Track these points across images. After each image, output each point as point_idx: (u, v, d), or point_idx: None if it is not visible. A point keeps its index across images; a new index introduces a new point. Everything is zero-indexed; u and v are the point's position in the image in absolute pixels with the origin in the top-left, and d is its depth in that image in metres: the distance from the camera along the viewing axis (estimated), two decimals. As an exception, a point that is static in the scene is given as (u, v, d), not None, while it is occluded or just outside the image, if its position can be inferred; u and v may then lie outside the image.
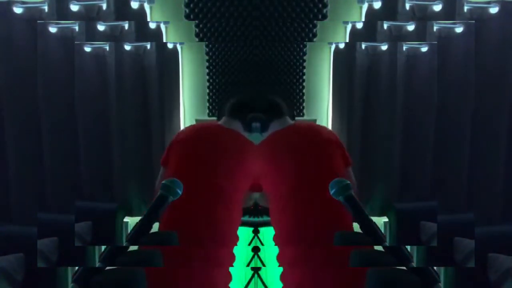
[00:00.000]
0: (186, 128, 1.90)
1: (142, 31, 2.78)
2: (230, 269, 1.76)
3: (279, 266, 1.75)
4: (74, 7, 2.71)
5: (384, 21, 2.80)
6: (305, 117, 2.88)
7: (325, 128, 1.86)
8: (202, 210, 1.63)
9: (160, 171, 1.85)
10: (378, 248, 1.21)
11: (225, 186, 1.69)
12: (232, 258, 1.76)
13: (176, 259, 1.55)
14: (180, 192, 1.28)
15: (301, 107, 2.88)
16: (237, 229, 1.79)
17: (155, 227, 1.36)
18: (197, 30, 2.70)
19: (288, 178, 1.69)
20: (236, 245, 1.79)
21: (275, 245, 1.77)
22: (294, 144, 1.76)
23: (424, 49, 2.84)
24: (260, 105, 1.92)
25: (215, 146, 1.75)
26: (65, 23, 2.75)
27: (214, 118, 2.82)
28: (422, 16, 2.80)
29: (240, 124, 1.86)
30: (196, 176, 1.68)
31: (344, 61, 2.86)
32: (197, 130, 1.90)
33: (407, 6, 2.78)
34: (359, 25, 2.80)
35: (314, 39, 2.74)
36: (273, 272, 2.44)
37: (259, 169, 1.78)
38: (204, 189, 1.65)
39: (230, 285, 1.74)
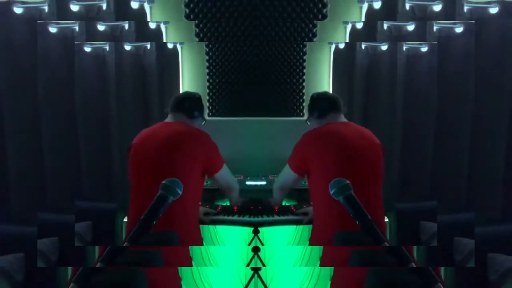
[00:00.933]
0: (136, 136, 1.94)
1: (142, 31, 2.79)
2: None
3: (326, 266, 1.74)
4: (74, 7, 2.71)
5: (384, 21, 2.80)
6: (305, 117, 2.87)
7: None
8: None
9: None
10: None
11: (176, 175, 1.67)
12: (186, 256, 1.77)
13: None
14: (180, 192, 1.28)
15: (301, 107, 2.88)
16: (195, 224, 1.82)
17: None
18: (197, 30, 2.70)
19: (334, 169, 1.71)
20: (201, 244, 1.79)
21: (312, 244, 1.77)
22: (346, 137, 1.79)
23: (424, 49, 2.84)
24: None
25: (160, 140, 1.80)
26: (65, 23, 2.75)
27: (215, 118, 2.82)
28: (422, 16, 2.80)
29: (185, 116, 1.94)
30: (150, 174, 1.72)
31: (344, 61, 2.86)
32: (144, 132, 1.95)
33: (407, 6, 2.78)
34: (359, 25, 2.80)
35: (314, 39, 2.74)
36: (273, 272, 2.44)
37: (305, 157, 1.81)
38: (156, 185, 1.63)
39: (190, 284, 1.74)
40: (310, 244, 1.89)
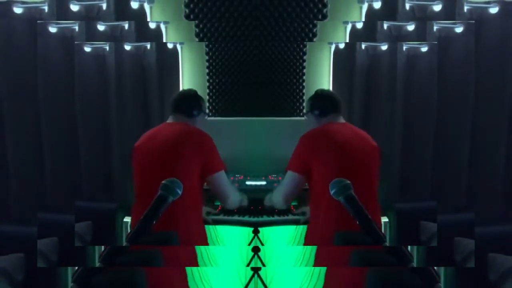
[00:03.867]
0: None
1: (142, 31, 2.79)
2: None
3: (321, 266, 1.75)
4: (74, 7, 2.71)
5: (384, 21, 2.80)
6: (305, 117, 2.88)
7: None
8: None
9: None
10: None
11: (176, 175, 1.68)
12: (192, 256, 1.77)
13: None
14: (180, 191, 1.28)
15: (301, 107, 2.88)
16: (197, 224, 1.83)
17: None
18: (197, 30, 2.70)
19: (334, 169, 1.71)
20: (207, 244, 1.80)
21: (306, 244, 1.77)
22: (345, 137, 1.79)
23: (424, 49, 2.84)
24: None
25: (161, 141, 1.82)
26: (65, 23, 2.75)
27: (215, 118, 2.82)
28: (422, 16, 2.80)
29: (185, 116, 1.92)
30: (151, 174, 1.74)
31: (344, 61, 2.86)
32: (146, 134, 1.95)
33: (407, 6, 2.78)
34: (359, 25, 2.80)
35: (314, 39, 2.74)
36: (273, 272, 2.44)
37: (307, 157, 1.81)
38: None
39: (190, 284, 1.74)
40: (305, 244, 1.89)
